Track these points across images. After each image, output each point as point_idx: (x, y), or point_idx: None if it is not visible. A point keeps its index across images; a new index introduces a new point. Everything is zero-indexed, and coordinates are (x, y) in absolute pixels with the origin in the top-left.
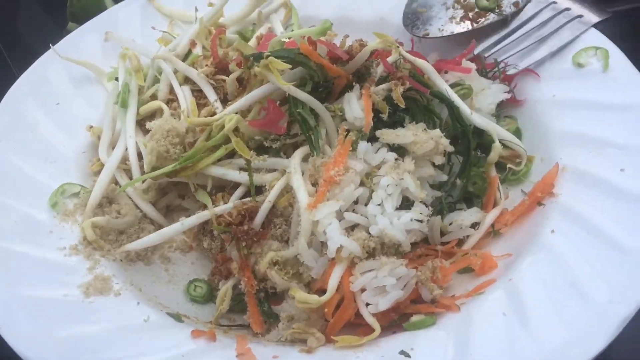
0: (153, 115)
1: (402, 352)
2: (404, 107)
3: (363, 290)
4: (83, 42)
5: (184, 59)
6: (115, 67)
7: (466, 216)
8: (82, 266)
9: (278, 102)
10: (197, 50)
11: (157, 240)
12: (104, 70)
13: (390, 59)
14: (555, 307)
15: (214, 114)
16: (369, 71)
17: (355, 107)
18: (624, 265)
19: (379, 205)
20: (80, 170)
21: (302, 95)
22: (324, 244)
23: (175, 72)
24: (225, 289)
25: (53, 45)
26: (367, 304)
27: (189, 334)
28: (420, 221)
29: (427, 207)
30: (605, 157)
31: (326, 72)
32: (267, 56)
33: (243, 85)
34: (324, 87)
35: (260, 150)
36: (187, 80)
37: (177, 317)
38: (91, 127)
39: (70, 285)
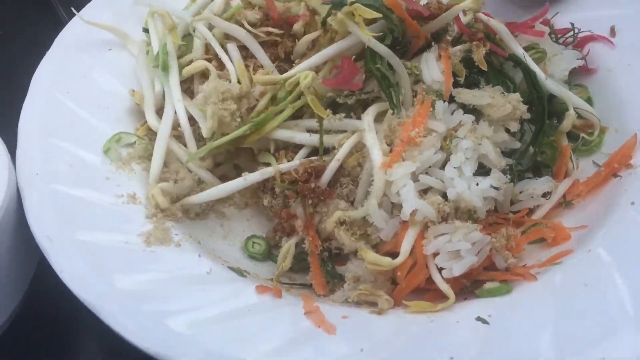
0: (190, 79)
1: (479, 319)
2: (485, 69)
3: (436, 254)
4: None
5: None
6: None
7: (538, 185)
8: (141, 215)
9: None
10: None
11: (218, 194)
12: (129, 34)
13: (464, 19)
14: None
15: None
16: (446, 31)
17: (434, 68)
18: None
19: (457, 168)
20: (133, 119)
21: (383, 49)
22: (395, 206)
23: (211, 29)
24: (287, 246)
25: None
26: (441, 269)
27: (254, 289)
28: (498, 189)
29: (504, 174)
30: None
31: (406, 29)
32: (352, 3)
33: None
34: (401, 45)
35: (332, 108)
36: (227, 38)
37: (240, 272)
38: (133, 91)
39: (131, 233)
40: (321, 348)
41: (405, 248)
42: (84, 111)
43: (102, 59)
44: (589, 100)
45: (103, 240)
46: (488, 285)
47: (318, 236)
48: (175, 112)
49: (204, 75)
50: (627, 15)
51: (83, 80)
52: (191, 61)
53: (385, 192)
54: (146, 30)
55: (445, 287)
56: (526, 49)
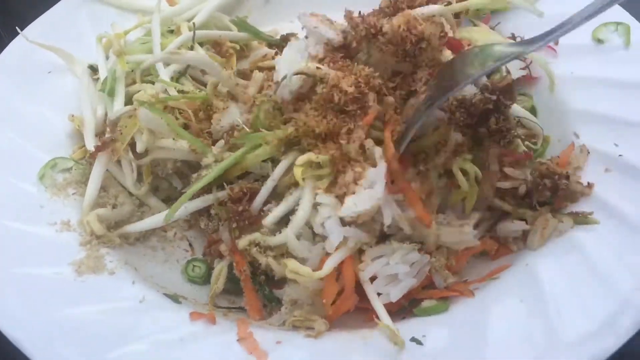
0: None
1: (414, 339)
2: None
3: (374, 278)
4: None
5: None
6: None
7: None
8: (75, 243)
9: None
10: None
11: (157, 223)
12: (74, 56)
13: None
14: (575, 295)
15: None
16: None
17: None
18: None
19: None
20: (72, 143)
21: None
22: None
23: None
24: (220, 267)
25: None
26: (379, 294)
27: (187, 316)
28: None
29: None
30: (625, 138)
31: None
32: None
33: None
34: None
35: None
36: None
37: (175, 298)
38: (72, 115)
39: (62, 263)
40: None
41: (328, 265)
42: (18, 137)
43: (41, 81)
44: (532, 109)
45: (34, 272)
46: (426, 304)
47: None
48: None
49: None
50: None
51: (19, 104)
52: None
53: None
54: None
55: (382, 313)
56: None
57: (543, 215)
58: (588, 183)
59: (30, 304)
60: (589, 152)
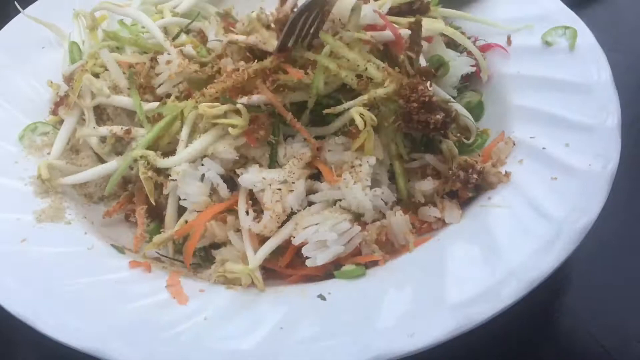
0: None
1: (320, 295)
2: None
3: (305, 244)
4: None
5: None
6: None
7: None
8: (40, 196)
9: None
10: None
11: (86, 178)
12: (65, 32)
13: None
14: (468, 264)
15: None
16: None
17: None
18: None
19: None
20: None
21: None
22: None
23: None
24: None
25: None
26: (307, 258)
27: (127, 264)
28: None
29: None
30: (553, 132)
31: None
32: None
33: None
34: None
35: None
36: None
37: (120, 250)
38: (51, 82)
39: (25, 211)
40: (169, 315)
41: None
42: (5, 102)
43: (34, 55)
44: (479, 104)
45: None
46: (345, 268)
47: None
48: None
49: None
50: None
51: (10, 73)
52: None
53: None
54: None
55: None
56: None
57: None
58: (506, 172)
59: None
60: (514, 144)
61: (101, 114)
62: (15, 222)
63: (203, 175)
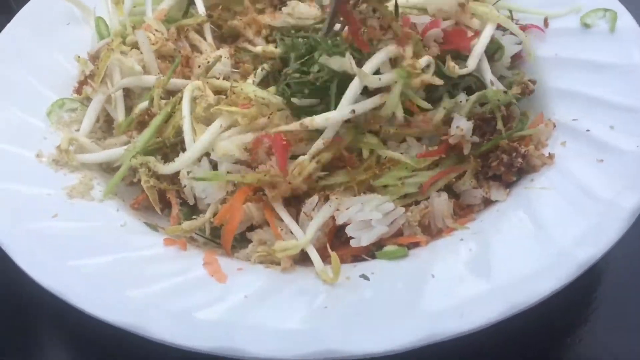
0: None
1: (363, 275)
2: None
3: (347, 224)
4: None
5: None
6: None
7: None
8: (71, 172)
9: None
10: None
11: (104, 158)
12: (90, 9)
13: None
14: (517, 246)
15: None
16: None
17: None
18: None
19: None
20: None
21: None
22: None
23: None
24: None
25: None
26: (351, 237)
27: (162, 241)
28: None
29: None
30: (596, 114)
31: None
32: None
33: None
34: None
35: None
36: None
37: (154, 227)
38: (79, 57)
39: (56, 187)
40: (208, 292)
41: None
42: (32, 77)
43: (60, 31)
44: None
45: (27, 191)
46: (387, 248)
47: None
48: None
49: None
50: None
51: (37, 48)
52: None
53: None
54: None
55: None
56: None
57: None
58: (549, 154)
59: (18, 217)
60: (554, 126)
61: (129, 91)
62: (45, 197)
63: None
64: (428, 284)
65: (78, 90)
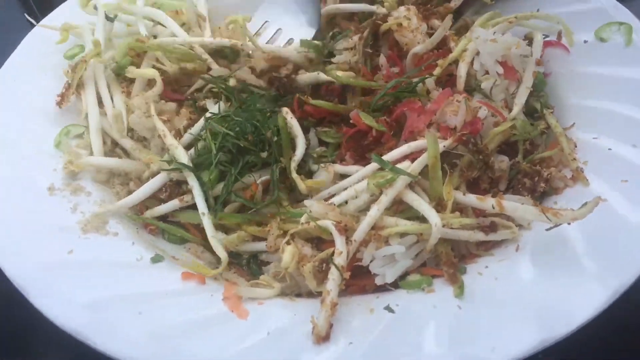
0: None
1: (387, 308)
2: None
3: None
4: None
5: None
6: None
7: None
8: (86, 206)
9: None
10: None
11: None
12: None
13: None
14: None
15: None
16: None
17: None
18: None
19: None
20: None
21: None
22: None
23: None
24: None
25: None
26: (375, 275)
27: (180, 275)
28: None
29: None
30: (618, 132)
31: None
32: None
33: None
34: None
35: None
36: None
37: (170, 259)
38: (67, 70)
39: (69, 220)
40: (230, 329)
41: None
42: (32, 111)
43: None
44: (541, 81)
45: (41, 225)
46: (411, 278)
47: None
48: None
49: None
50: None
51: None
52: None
53: None
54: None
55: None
56: None
57: None
58: (572, 175)
59: (33, 251)
60: (575, 145)
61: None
62: (59, 232)
63: None
64: (456, 317)
65: (59, 103)
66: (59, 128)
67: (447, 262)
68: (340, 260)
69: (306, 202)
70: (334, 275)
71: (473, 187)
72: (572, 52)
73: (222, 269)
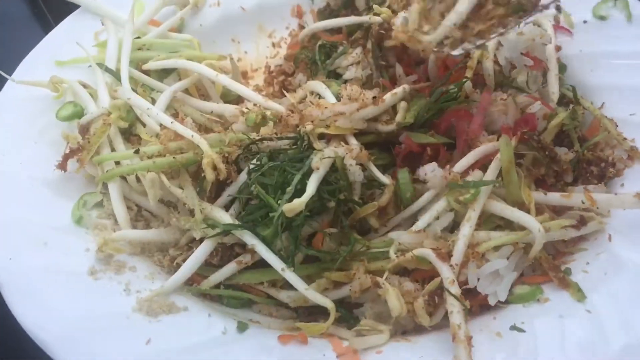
0: None
1: (514, 327)
2: None
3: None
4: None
5: None
6: None
7: None
8: (139, 284)
9: None
10: None
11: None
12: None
13: None
14: None
15: None
16: None
17: None
18: None
19: None
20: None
21: None
22: None
23: None
24: None
25: None
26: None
27: (276, 340)
28: None
29: None
30: None
31: None
32: None
33: None
34: None
35: None
36: None
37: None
38: (67, 134)
39: (128, 305)
40: None
41: None
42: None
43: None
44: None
45: (104, 321)
46: (519, 290)
47: None
48: None
49: None
50: None
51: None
52: None
53: None
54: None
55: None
56: None
57: None
58: (629, 155)
59: (112, 348)
60: (617, 125)
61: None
62: (127, 321)
63: None
64: (590, 322)
65: (61, 165)
66: (67, 198)
67: (550, 266)
68: (454, 289)
69: (392, 234)
70: (455, 307)
71: (539, 184)
72: (575, 34)
73: (331, 321)
